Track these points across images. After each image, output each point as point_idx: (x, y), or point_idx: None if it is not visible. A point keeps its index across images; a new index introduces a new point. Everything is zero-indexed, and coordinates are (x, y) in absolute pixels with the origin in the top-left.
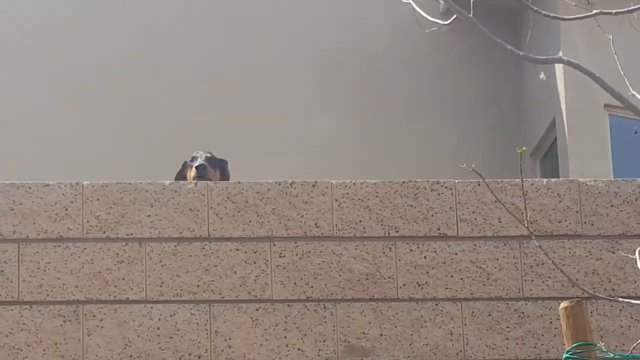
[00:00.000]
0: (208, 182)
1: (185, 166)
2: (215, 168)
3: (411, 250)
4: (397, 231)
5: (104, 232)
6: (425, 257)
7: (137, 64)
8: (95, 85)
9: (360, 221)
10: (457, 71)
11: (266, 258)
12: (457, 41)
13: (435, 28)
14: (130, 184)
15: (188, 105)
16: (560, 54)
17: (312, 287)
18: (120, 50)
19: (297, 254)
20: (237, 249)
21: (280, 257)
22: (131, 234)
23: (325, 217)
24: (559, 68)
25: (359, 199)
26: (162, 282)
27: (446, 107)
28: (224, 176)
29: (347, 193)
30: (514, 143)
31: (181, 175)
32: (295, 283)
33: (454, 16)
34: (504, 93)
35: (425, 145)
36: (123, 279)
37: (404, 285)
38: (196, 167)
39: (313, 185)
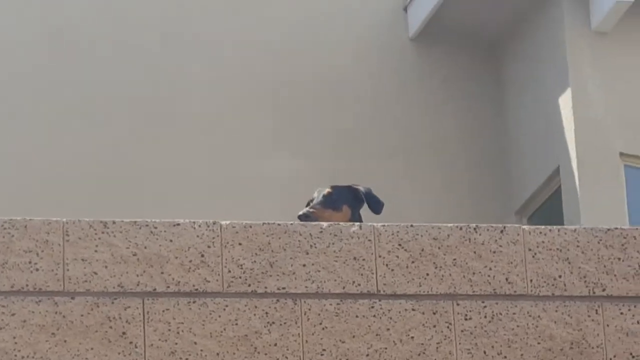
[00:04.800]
0: (375, 225)
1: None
2: (338, 205)
3: (621, 313)
4: (603, 290)
5: (249, 285)
6: (638, 322)
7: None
8: None
9: (560, 276)
10: (430, 113)
11: (449, 320)
12: (431, 76)
13: None
14: (279, 225)
15: (124, 146)
16: (569, 91)
17: (505, 357)
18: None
19: (485, 316)
20: (413, 309)
21: (465, 319)
22: (283, 288)
23: (518, 270)
24: (565, 108)
25: (557, 249)
26: (324, 350)
27: (419, 153)
28: (372, 204)
29: (543, 241)
30: (495, 199)
31: None
32: (485, 352)
33: None
34: (484, 137)
35: (393, 193)
36: (275, 344)
37: (614, 356)
38: (298, 217)
39: (501, 231)
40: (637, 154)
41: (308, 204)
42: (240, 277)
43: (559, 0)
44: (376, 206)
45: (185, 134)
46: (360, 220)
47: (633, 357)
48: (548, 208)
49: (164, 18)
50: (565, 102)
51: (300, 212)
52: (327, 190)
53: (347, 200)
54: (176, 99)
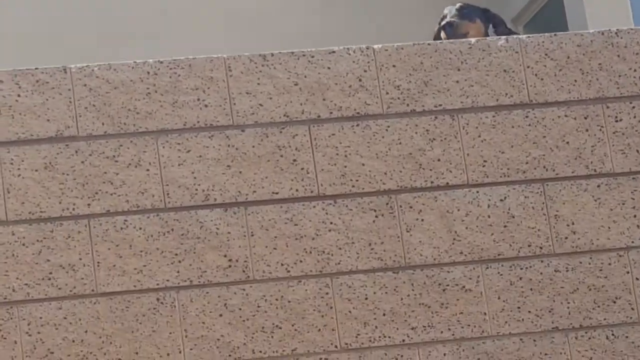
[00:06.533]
0: (520, 37)
1: (439, 30)
2: (472, 17)
3: None
4: None
5: (407, 104)
6: None
7: None
8: None
9: None
10: None
11: (600, 124)
12: None
13: None
14: (429, 44)
15: None
16: None
17: None
18: None
19: (635, 116)
20: (565, 115)
21: (616, 121)
22: (440, 105)
23: None
24: None
25: None
26: (485, 161)
27: None
28: (500, 30)
29: None
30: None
31: None
32: (637, 151)
33: None
34: None
35: (388, 7)
36: (438, 159)
37: None
38: (442, 28)
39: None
40: None
41: (442, 19)
42: (398, 98)
43: None
44: (500, 29)
45: None
46: None
47: None
48: (545, 15)
49: None
50: None
51: (444, 22)
52: (458, 4)
53: (478, 15)
54: None
